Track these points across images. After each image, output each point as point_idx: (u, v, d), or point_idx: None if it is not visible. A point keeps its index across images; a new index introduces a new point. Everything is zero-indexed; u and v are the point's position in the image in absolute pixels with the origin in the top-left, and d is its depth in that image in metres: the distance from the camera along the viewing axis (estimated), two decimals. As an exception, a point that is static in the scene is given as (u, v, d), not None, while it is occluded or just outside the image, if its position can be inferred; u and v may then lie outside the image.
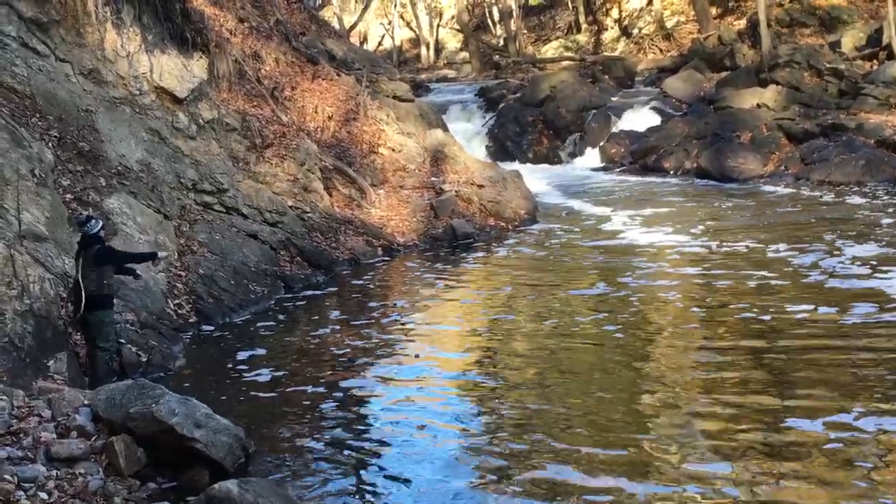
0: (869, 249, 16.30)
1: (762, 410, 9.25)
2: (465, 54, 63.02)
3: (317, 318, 14.63)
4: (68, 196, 13.45)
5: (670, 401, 9.78)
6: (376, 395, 10.69)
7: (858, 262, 15.33)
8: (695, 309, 13.48)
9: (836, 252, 16.35)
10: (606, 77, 42.18)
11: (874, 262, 15.22)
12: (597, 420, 9.39)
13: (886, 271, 14.50)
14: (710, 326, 12.50)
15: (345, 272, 17.87)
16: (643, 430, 9.03)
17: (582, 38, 57.28)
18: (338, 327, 13.88)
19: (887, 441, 8.27)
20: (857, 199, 22.38)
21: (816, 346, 11.14)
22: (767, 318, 12.51)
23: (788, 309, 12.82)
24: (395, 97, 28.08)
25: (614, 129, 35.21)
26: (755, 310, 12.91)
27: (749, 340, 11.67)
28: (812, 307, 12.78)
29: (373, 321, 14.09)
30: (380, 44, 72.33)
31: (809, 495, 7.41)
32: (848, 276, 14.51)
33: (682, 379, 10.44)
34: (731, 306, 13.27)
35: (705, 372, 10.58)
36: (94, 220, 11.09)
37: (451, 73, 58.82)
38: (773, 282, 14.55)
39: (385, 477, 8.33)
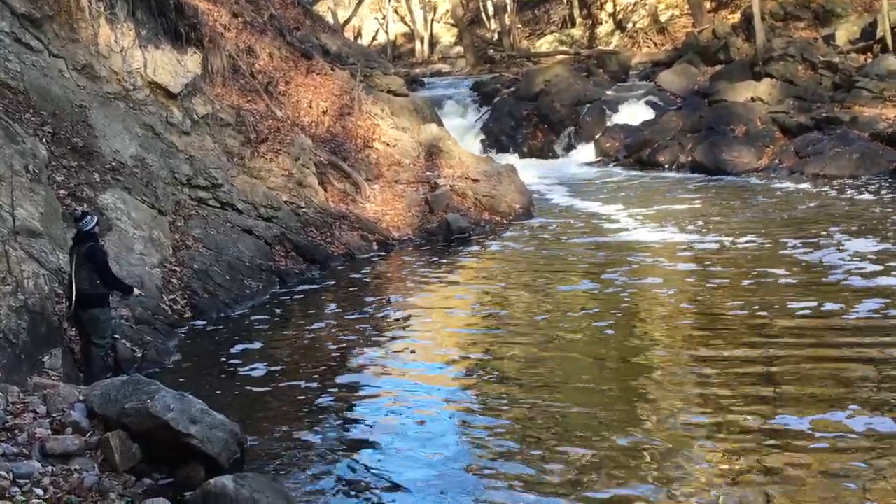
0: (872, 245, 16.18)
1: (757, 405, 9.28)
2: (459, 49, 62.94)
3: (312, 312, 14.64)
4: (62, 192, 13.44)
5: (666, 395, 9.80)
6: (372, 390, 10.70)
7: (859, 258, 15.21)
8: (692, 305, 13.45)
9: (840, 247, 16.22)
10: (601, 71, 42.17)
11: (874, 258, 15.13)
12: (591, 413, 9.41)
13: (893, 268, 14.34)
14: (707, 323, 12.48)
15: (340, 267, 17.86)
16: (636, 422, 9.06)
17: (576, 32, 57.26)
18: (333, 322, 13.88)
19: (880, 442, 8.23)
20: (855, 194, 22.33)
21: (818, 343, 11.07)
22: (767, 314, 12.44)
23: (791, 306, 12.71)
24: (389, 92, 28.03)
25: (609, 123, 35.19)
26: (755, 306, 12.81)
27: (749, 337, 11.62)
28: (816, 304, 12.67)
29: (368, 316, 14.09)
30: (374, 38, 72.23)
31: (801, 498, 7.41)
32: (853, 272, 14.36)
33: (677, 374, 10.47)
34: (730, 303, 13.21)
35: (701, 368, 10.59)
36: (88, 217, 11.06)
37: (445, 68, 58.73)
38: (773, 278, 14.45)
39: (381, 471, 8.34)
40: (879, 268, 14.45)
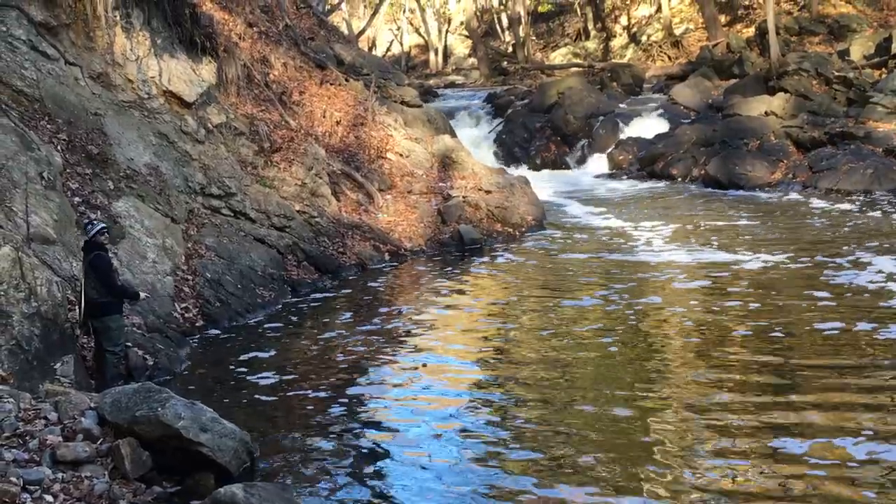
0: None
1: (765, 427, 9.21)
2: (473, 60, 63.14)
3: (323, 323, 14.64)
4: (76, 199, 13.49)
5: (676, 417, 9.73)
6: (382, 402, 10.69)
7: (885, 278, 14.89)
8: (704, 325, 13.30)
9: (867, 267, 15.82)
10: (615, 84, 42.21)
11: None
12: (599, 430, 9.39)
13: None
14: (720, 341, 12.33)
15: (352, 277, 17.87)
16: (642, 441, 9.02)
17: (590, 44, 57.35)
18: (344, 332, 13.88)
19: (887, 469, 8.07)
20: (874, 210, 22.11)
21: (843, 365, 10.89)
22: (784, 335, 12.28)
23: (817, 326, 12.46)
24: (403, 103, 28.07)
25: (622, 136, 35.18)
26: (777, 328, 12.59)
27: (766, 356, 11.50)
28: (843, 325, 12.40)
29: (379, 327, 14.08)
30: (388, 49, 72.49)
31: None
32: (881, 293, 14.03)
33: (689, 396, 10.38)
34: (745, 323, 13.00)
35: (711, 390, 10.52)
36: (90, 225, 11.11)
37: (459, 79, 58.87)
38: (795, 299, 14.21)
39: (391, 483, 8.33)
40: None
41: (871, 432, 8.78)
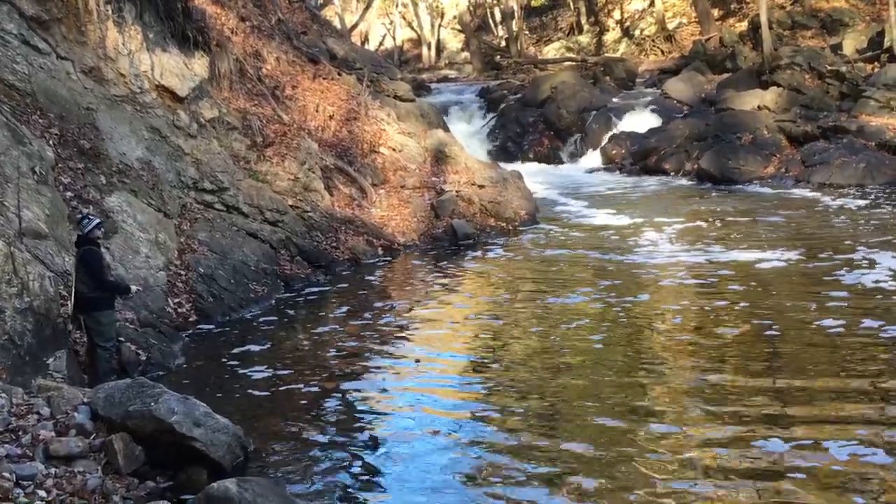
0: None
1: (756, 424, 9.21)
2: (466, 55, 63.01)
3: (317, 317, 14.63)
4: (69, 194, 13.45)
5: (669, 412, 9.73)
6: (376, 396, 10.69)
7: (892, 275, 14.72)
8: (697, 322, 13.28)
9: (872, 265, 15.52)
10: (607, 78, 42.19)
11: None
12: (594, 424, 9.39)
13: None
14: (716, 338, 12.29)
15: (345, 272, 17.85)
16: (635, 437, 9.01)
17: (583, 39, 57.30)
18: (338, 327, 13.87)
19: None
20: (869, 204, 22.12)
21: (848, 362, 10.83)
22: (781, 333, 12.20)
23: (820, 324, 12.30)
24: (396, 97, 28.07)
25: (615, 131, 35.20)
26: (774, 326, 12.45)
27: (762, 352, 11.50)
28: (844, 322, 12.25)
29: (372, 321, 14.07)
30: (381, 43, 72.36)
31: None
32: (886, 292, 13.81)
33: (685, 399, 10.38)
34: (738, 322, 12.94)
35: (707, 390, 10.51)
36: (85, 220, 11.07)
37: (452, 74, 58.75)
38: (790, 298, 14.11)
39: (384, 477, 8.34)
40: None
41: (864, 432, 8.73)
